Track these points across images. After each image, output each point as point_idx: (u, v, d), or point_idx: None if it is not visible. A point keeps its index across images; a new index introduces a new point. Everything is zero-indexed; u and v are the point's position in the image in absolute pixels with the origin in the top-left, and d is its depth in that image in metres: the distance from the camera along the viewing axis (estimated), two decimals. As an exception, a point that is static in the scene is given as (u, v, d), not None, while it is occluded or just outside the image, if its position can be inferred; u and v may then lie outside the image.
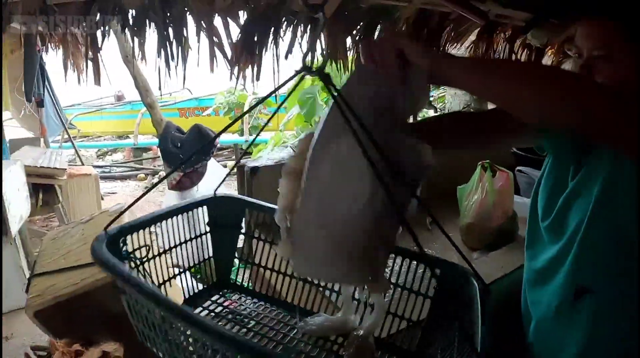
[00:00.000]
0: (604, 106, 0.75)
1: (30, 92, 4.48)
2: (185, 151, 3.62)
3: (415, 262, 1.12)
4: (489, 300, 0.90)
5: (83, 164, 6.60)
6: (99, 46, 1.87)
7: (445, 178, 2.33)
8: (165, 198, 3.92)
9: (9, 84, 4.77)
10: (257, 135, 1.36)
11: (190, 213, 1.22)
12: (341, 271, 0.91)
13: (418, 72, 0.82)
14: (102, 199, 6.56)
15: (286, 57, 2.19)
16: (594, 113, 0.75)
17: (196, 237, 1.27)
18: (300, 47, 2.24)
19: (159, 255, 1.17)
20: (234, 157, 8.53)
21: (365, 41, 0.86)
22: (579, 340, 1.04)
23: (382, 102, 0.83)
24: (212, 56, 1.96)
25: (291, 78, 0.92)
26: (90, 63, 2.03)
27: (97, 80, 2.13)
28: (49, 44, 2.22)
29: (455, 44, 2.74)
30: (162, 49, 1.90)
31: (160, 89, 2.02)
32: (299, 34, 2.17)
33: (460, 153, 2.08)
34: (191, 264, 1.29)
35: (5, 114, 6.42)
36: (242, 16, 1.98)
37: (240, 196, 1.56)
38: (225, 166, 7.87)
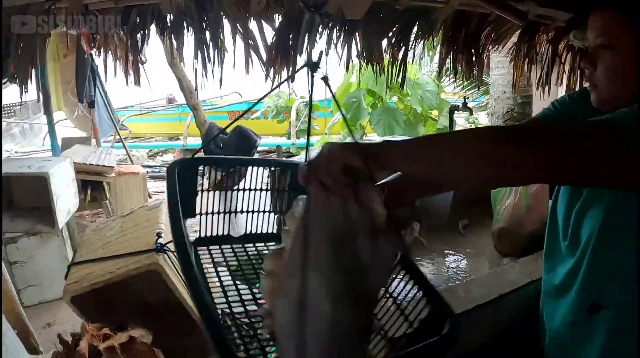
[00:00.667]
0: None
1: (82, 94, 4.69)
2: (227, 152, 3.69)
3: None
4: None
5: (133, 164, 6.81)
6: (139, 48, 1.94)
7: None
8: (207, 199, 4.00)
9: (62, 86, 5.02)
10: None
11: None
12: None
13: (363, 181, 0.77)
14: (150, 197, 6.76)
15: (320, 58, 2.21)
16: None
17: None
18: (336, 49, 2.26)
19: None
20: (282, 158, 8.61)
21: (307, 168, 0.78)
22: (595, 355, 1.00)
23: (343, 222, 0.78)
24: (248, 57, 2.00)
25: (297, 71, 0.94)
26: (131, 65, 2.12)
27: (137, 81, 2.21)
28: (99, 48, 2.31)
29: (496, 46, 2.69)
30: (199, 52, 1.96)
31: (196, 89, 2.09)
32: (334, 36, 2.19)
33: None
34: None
35: (60, 115, 6.74)
36: (277, 19, 2.01)
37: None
38: None
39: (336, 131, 6.82)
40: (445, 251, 2.06)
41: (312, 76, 0.91)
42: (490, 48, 2.69)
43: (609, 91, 0.95)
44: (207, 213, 1.40)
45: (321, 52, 1.07)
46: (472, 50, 2.55)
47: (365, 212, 0.76)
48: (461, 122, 8.22)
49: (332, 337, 0.78)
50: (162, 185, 7.93)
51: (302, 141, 8.26)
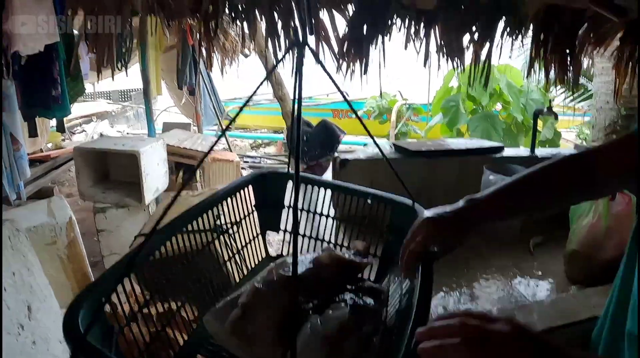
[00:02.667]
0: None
1: (181, 81, 4.96)
2: (311, 145, 3.71)
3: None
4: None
5: (231, 150, 7.09)
6: (212, 35, 1.99)
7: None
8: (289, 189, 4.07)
9: (169, 74, 5.36)
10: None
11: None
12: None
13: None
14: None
15: (406, 47, 2.15)
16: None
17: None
18: (414, 43, 2.17)
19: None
20: None
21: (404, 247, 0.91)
22: None
23: None
24: (317, 50, 1.98)
25: (286, 52, 0.89)
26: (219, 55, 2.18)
27: (221, 71, 2.27)
28: (203, 40, 2.40)
29: (597, 49, 2.45)
30: (269, 40, 1.97)
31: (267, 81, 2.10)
32: (412, 29, 2.11)
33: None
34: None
35: (170, 102, 7.18)
36: (349, 9, 1.97)
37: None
38: None
39: (434, 135, 6.63)
40: (508, 269, 1.89)
41: (301, 57, 0.84)
42: (589, 50, 2.44)
43: None
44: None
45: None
46: (567, 50, 2.34)
47: None
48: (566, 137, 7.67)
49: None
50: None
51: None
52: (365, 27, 1.99)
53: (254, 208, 1.30)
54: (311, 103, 10.40)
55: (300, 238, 1.36)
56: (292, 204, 1.28)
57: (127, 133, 10.97)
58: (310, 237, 1.31)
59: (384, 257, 1.18)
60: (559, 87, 5.47)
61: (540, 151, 2.39)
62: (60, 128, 4.66)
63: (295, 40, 0.79)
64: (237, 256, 1.27)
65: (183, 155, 4.63)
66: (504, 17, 2.15)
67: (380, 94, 7.83)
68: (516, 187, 0.93)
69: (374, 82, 2.30)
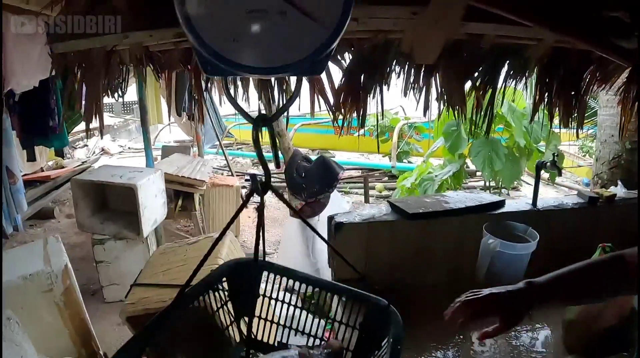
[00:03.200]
0: None
1: (180, 108, 4.93)
2: (309, 181, 3.65)
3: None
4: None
5: (232, 173, 7.03)
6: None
7: (559, 260, 2.04)
8: (286, 224, 4.04)
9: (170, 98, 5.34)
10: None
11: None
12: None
13: None
14: (246, 207, 6.95)
15: (406, 95, 2.10)
16: None
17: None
18: (414, 92, 2.12)
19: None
20: (385, 179, 8.50)
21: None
22: None
23: None
24: (313, 101, 1.93)
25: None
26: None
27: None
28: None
29: (603, 86, 2.38)
30: (262, 93, 1.92)
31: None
32: (412, 78, 2.05)
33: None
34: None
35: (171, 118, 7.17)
36: (346, 59, 1.91)
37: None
38: (373, 188, 7.93)
39: (437, 155, 6.58)
40: (504, 335, 1.81)
41: (258, 132, 0.96)
42: (595, 89, 2.38)
43: None
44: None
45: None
46: (572, 92, 2.27)
47: None
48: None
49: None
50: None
51: (403, 164, 8.09)
52: (362, 76, 1.93)
53: (228, 299, 1.33)
54: (313, 122, 10.39)
55: (274, 326, 1.41)
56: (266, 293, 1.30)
57: (129, 147, 10.97)
58: (285, 326, 1.36)
59: (356, 353, 1.20)
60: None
61: (541, 203, 2.32)
62: (60, 154, 4.63)
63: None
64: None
65: (182, 183, 4.59)
66: (507, 61, 2.09)
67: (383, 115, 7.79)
68: (567, 280, 1.08)
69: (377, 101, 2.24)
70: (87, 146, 9.92)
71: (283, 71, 0.83)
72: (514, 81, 2.23)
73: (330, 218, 2.02)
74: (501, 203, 2.23)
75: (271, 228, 6.16)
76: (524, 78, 2.21)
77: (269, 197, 7.53)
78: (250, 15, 0.78)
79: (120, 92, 3.70)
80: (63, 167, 6.87)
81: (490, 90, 2.16)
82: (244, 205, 1.10)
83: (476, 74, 2.14)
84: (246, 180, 8.80)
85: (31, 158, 4.61)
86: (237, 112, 0.99)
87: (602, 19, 1.60)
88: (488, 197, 2.29)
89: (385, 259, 2.09)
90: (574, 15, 1.56)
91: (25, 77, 3.05)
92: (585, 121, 5.82)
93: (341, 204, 4.17)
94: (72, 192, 3.79)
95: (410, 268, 2.11)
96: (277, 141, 4.42)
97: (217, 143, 7.22)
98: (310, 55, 0.82)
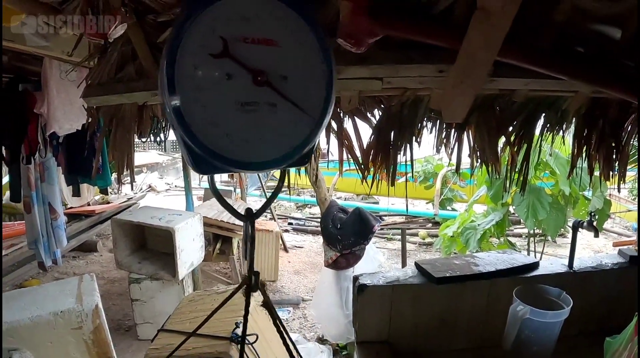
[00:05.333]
0: None
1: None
2: (345, 233, 3.63)
3: None
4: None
5: (273, 218, 7.07)
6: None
7: (594, 326, 1.91)
8: (321, 274, 4.01)
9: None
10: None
11: None
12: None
13: None
14: (287, 251, 7.01)
15: (438, 151, 2.07)
16: None
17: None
18: (446, 148, 2.08)
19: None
20: (429, 225, 8.39)
21: None
22: None
23: None
24: (342, 159, 1.92)
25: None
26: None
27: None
28: None
29: (646, 135, 2.28)
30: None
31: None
32: (443, 133, 2.02)
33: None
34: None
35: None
36: (375, 116, 1.91)
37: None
38: (416, 235, 7.84)
39: (481, 202, 6.43)
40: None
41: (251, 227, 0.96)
42: (637, 137, 2.28)
43: None
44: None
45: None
46: (613, 143, 2.18)
47: None
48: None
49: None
50: (302, 239, 8.10)
51: (447, 212, 7.96)
52: (392, 133, 1.91)
53: None
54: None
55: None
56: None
57: (176, 185, 11.24)
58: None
59: None
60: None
61: (578, 263, 2.21)
62: (104, 192, 4.79)
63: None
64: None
65: (221, 227, 4.65)
66: (542, 114, 2.03)
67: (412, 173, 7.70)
68: None
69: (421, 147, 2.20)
70: (134, 182, 10.21)
71: (275, 165, 0.85)
72: (551, 134, 2.16)
73: (355, 279, 1.98)
74: (534, 265, 2.13)
75: (310, 274, 6.16)
76: (561, 130, 2.15)
77: (311, 241, 7.56)
78: (242, 108, 0.79)
79: (162, 137, 3.84)
80: (109, 202, 7.11)
81: (525, 145, 2.10)
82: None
83: (510, 129, 2.09)
84: (289, 223, 8.84)
85: (76, 193, 4.81)
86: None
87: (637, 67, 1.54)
88: (521, 258, 2.19)
89: (410, 323, 2.02)
90: (605, 66, 1.51)
91: (67, 121, 3.21)
92: (633, 163, 5.62)
93: (376, 257, 4.12)
94: (112, 231, 3.90)
95: (435, 333, 2.04)
96: (316, 192, 4.40)
97: (260, 187, 7.29)
98: (299, 145, 0.84)
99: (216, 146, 0.79)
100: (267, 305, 1.00)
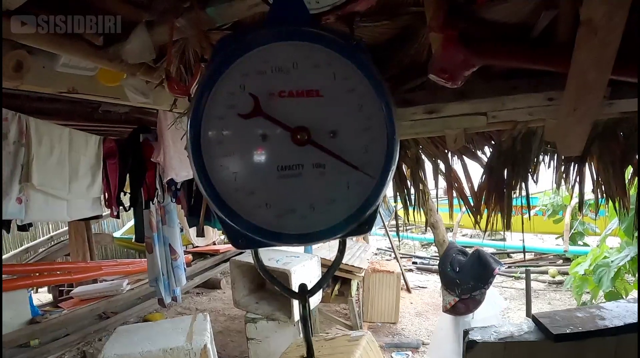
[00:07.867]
0: None
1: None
2: (464, 276, 3.48)
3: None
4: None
5: (396, 258, 6.99)
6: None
7: None
8: (440, 319, 3.84)
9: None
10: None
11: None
12: None
13: None
14: (409, 292, 6.86)
15: (558, 187, 1.92)
16: None
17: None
18: (566, 184, 1.92)
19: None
20: (559, 261, 7.82)
21: None
22: None
23: None
24: (451, 202, 1.85)
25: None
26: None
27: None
28: None
29: None
30: (398, 194, 1.88)
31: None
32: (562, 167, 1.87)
33: None
34: None
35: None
36: (486, 154, 1.81)
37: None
38: (546, 273, 7.35)
39: (615, 234, 5.85)
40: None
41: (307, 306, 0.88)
42: None
43: None
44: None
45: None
46: None
47: None
48: None
49: None
50: (426, 278, 7.89)
51: (578, 247, 7.32)
52: (505, 171, 1.79)
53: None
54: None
55: None
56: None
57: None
58: None
59: None
60: None
61: None
62: (225, 232, 5.06)
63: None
64: None
65: (340, 269, 4.67)
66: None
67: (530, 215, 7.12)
68: None
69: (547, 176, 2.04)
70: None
71: (327, 236, 0.75)
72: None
73: (465, 333, 1.83)
74: (673, 318, 1.84)
75: (432, 316, 5.96)
76: None
77: (435, 282, 7.31)
78: (283, 173, 0.72)
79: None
80: (234, 243, 7.48)
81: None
82: None
83: (637, 156, 1.87)
84: (413, 263, 8.64)
85: (200, 234, 5.12)
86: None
87: None
88: (657, 309, 1.91)
89: (524, 386, 1.81)
90: None
91: (183, 169, 3.43)
92: None
93: (497, 302, 3.87)
94: (230, 271, 4.06)
95: (553, 397, 1.81)
96: (434, 233, 4.26)
97: (382, 226, 7.23)
98: (356, 212, 0.73)
99: (255, 218, 0.71)
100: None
